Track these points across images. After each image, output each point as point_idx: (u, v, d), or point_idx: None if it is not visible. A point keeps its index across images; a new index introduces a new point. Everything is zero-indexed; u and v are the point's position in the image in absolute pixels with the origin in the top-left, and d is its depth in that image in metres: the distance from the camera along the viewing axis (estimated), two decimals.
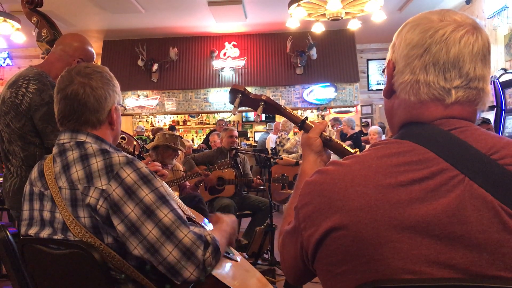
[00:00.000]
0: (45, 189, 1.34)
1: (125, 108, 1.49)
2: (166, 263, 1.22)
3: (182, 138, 4.60)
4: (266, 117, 10.85)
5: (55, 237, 1.29)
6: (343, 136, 7.68)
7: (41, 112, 2.04)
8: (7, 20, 5.76)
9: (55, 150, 1.38)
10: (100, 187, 1.24)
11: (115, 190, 1.23)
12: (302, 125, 1.37)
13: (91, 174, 1.26)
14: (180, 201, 1.56)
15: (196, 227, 1.30)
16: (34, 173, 1.41)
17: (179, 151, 4.27)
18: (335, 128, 8.52)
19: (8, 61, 10.10)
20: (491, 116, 6.02)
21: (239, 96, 1.44)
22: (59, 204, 1.28)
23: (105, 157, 1.28)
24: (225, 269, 1.50)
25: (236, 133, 4.94)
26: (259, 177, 4.76)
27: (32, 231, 1.35)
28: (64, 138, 1.37)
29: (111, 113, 1.40)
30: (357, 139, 7.52)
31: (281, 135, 7.41)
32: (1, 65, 10.10)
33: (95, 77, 1.38)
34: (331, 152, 1.37)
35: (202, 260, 1.24)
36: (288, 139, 7.47)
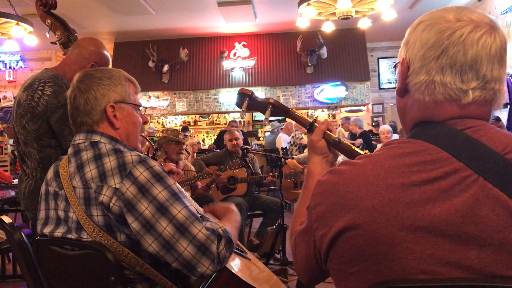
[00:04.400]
0: (59, 189, 1.36)
1: (145, 108, 1.45)
2: (181, 259, 1.22)
3: (191, 136, 4.62)
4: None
5: (69, 235, 1.31)
6: (353, 136, 7.66)
7: (58, 114, 2.06)
8: (20, 23, 5.80)
9: (70, 150, 1.40)
10: (114, 186, 1.25)
11: (128, 189, 1.24)
12: (310, 127, 1.36)
13: (104, 173, 1.28)
14: (192, 200, 1.57)
15: (208, 221, 1.31)
16: (50, 173, 1.44)
17: (185, 152, 4.27)
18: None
19: (20, 63, 10.21)
20: (504, 114, 5.94)
21: (246, 100, 1.42)
22: (73, 204, 1.30)
23: (118, 156, 1.30)
24: (239, 265, 1.52)
25: (236, 135, 4.72)
26: (271, 174, 4.70)
27: (47, 230, 1.38)
28: (80, 138, 1.40)
29: (107, 112, 1.39)
30: (367, 137, 7.49)
31: (295, 134, 7.52)
32: (13, 67, 10.21)
33: (86, 79, 1.41)
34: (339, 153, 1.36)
35: (216, 254, 1.24)
36: (302, 138, 7.57)
